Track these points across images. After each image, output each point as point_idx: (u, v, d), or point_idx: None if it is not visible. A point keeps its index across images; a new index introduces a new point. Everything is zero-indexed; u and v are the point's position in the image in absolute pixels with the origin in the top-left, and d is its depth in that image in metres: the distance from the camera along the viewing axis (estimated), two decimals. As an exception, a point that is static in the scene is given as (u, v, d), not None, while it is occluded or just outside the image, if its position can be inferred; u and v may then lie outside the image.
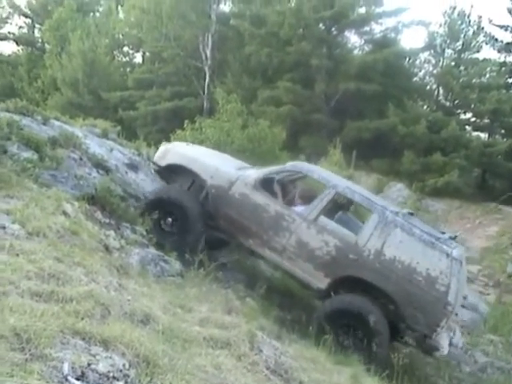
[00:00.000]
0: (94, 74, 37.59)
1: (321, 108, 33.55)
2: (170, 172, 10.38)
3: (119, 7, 46.85)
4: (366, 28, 37.25)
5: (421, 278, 8.54)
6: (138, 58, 46.02)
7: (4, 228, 5.84)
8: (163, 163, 10.33)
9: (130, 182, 10.96)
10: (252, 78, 35.85)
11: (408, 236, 8.75)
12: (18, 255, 5.15)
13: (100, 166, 10.81)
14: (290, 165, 10.31)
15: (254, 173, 9.85)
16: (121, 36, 43.93)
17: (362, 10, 36.75)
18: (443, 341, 8.77)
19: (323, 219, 9.19)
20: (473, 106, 34.03)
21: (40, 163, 9.19)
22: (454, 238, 9.23)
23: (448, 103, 35.27)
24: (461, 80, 33.99)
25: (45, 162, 9.33)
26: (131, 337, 4.15)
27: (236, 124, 17.35)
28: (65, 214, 7.28)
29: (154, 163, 10.70)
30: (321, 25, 36.38)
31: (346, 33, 38.02)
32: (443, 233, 9.58)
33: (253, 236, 9.40)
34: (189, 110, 32.15)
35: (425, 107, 36.75)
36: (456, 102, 34.71)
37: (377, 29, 37.22)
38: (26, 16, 51.01)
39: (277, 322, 8.00)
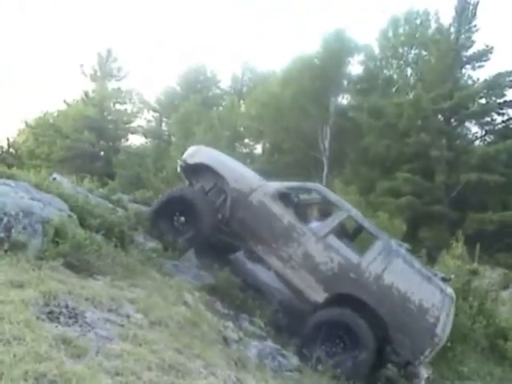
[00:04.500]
0: (215, 165, 38.87)
1: (441, 199, 32.76)
2: (196, 171, 10.89)
3: (241, 101, 48.91)
4: (487, 118, 36.57)
5: (413, 307, 8.94)
6: (258, 150, 47.48)
7: (128, 317, 6.01)
8: (192, 161, 10.84)
9: (249, 272, 11.05)
10: (370, 169, 35.80)
11: (408, 267, 9.20)
12: (140, 345, 5.24)
13: (221, 256, 10.98)
14: (310, 184, 11.00)
15: (276, 184, 10.34)
16: (242, 128, 45.55)
17: (483, 101, 36.25)
18: (424, 373, 9.27)
19: (332, 237, 9.67)
20: None
21: (164, 253, 9.51)
22: (446, 280, 9.63)
23: None
24: None
25: (168, 252, 9.64)
26: None
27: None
28: (186, 304, 7.42)
29: (183, 160, 11.10)
30: (440, 116, 36.12)
31: (466, 123, 37.44)
32: (436, 274, 9.66)
33: (262, 242, 9.84)
34: (307, 201, 32.39)
35: (552, 199, 35.02)
36: None
37: (498, 119, 36.49)
38: (155, 110, 54.31)
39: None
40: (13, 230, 6.86)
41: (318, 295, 9.29)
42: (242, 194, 10.07)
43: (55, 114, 47.44)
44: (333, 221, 9.81)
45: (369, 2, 73.32)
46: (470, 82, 37.31)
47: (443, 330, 8.86)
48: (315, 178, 36.82)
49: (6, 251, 6.46)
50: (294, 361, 7.95)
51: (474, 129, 37.88)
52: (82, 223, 8.38)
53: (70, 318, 5.32)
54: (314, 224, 10.04)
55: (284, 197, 10.06)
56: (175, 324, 6.38)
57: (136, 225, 10.08)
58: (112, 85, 48.71)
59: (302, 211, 10.49)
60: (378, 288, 9.06)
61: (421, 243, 26.26)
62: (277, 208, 9.84)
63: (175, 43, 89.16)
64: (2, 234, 6.70)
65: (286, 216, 9.78)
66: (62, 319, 5.21)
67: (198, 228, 10.06)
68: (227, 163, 10.82)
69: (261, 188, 10.11)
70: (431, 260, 16.79)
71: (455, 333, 11.34)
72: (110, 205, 10.95)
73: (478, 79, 36.74)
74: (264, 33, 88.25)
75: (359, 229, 10.52)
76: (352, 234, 10.91)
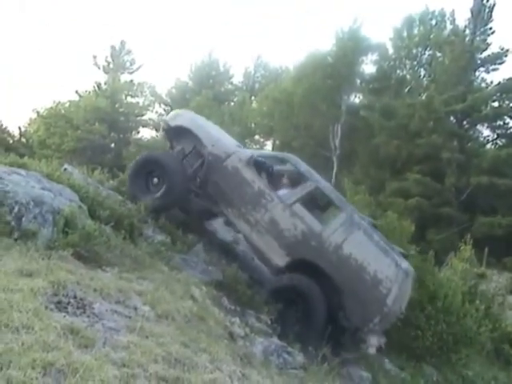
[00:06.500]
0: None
1: (451, 201, 32.67)
2: (177, 134, 11.35)
3: (253, 97, 48.85)
4: (500, 122, 36.44)
5: (368, 278, 9.34)
6: (269, 146, 47.38)
7: (136, 309, 6.01)
8: (173, 124, 11.46)
9: (256, 268, 11.06)
10: (380, 169, 35.73)
11: (368, 239, 9.58)
12: (147, 337, 5.25)
13: (228, 252, 11.02)
14: (283, 154, 11.85)
15: (250, 152, 11.02)
16: (253, 125, 45.52)
17: (496, 104, 36.07)
18: (373, 340, 9.47)
19: (298, 206, 10.03)
20: None
21: (172, 247, 9.54)
22: (405, 256, 10.11)
23: None
24: None
25: (176, 246, 9.67)
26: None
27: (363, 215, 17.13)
28: (193, 298, 7.41)
29: (165, 122, 11.82)
30: (452, 118, 36.03)
31: (479, 126, 37.33)
32: (393, 248, 9.94)
33: (233, 206, 10.37)
34: (316, 199, 32.33)
35: None
36: None
37: (511, 123, 36.37)
38: (166, 104, 54.28)
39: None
40: (23, 219, 6.89)
41: (281, 259, 9.81)
42: (217, 158, 10.58)
43: (67, 105, 47.44)
44: (301, 190, 10.24)
45: (383, 1, 72.88)
46: (483, 84, 37.25)
47: (394, 301, 9.23)
48: (325, 177, 36.85)
49: (15, 240, 6.49)
50: (300, 358, 7.92)
51: (485, 132, 37.89)
52: (92, 214, 8.40)
53: (78, 308, 5.33)
54: (284, 191, 10.46)
55: (258, 164, 10.51)
56: (182, 318, 6.39)
57: (145, 217, 10.11)
58: (124, 77, 48.75)
59: (275, 180, 10.92)
60: (336, 257, 9.50)
61: (429, 244, 26.17)
62: (249, 174, 10.34)
63: (189, 37, 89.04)
64: (12, 223, 6.73)
65: (257, 182, 10.27)
66: (70, 309, 5.23)
67: (167, 188, 10.50)
68: (206, 128, 11.30)
69: (236, 154, 10.60)
70: (439, 262, 16.70)
71: (460, 336, 11.33)
72: (120, 197, 10.96)
73: (491, 82, 36.77)
74: (278, 29, 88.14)
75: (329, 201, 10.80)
76: (323, 207, 11.33)
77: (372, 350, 9.61)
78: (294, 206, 9.98)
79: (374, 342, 9.52)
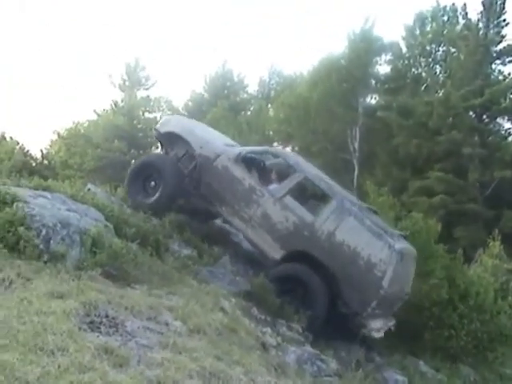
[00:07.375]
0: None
1: (475, 197, 32.31)
2: (170, 140, 11.55)
3: (269, 105, 48.88)
4: (520, 114, 35.95)
5: (362, 262, 9.41)
6: (288, 153, 47.19)
7: (167, 325, 6.03)
8: (163, 130, 11.76)
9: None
10: (401, 169, 35.47)
11: (359, 224, 9.62)
12: (180, 353, 5.25)
13: (254, 261, 11.02)
14: (271, 148, 12.46)
15: (238, 149, 11.18)
16: (271, 132, 45.48)
17: (515, 96, 35.67)
18: (375, 324, 9.54)
19: (289, 198, 10.20)
20: None
21: (199, 260, 9.57)
22: (404, 237, 10.37)
23: None
24: None
25: (203, 259, 9.70)
26: None
27: (387, 217, 16.97)
28: (223, 310, 7.42)
29: (156, 130, 12.07)
30: (471, 113, 35.66)
31: (499, 119, 36.84)
32: (386, 231, 9.86)
33: (226, 205, 10.62)
34: (338, 203, 32.15)
35: None
36: None
37: (532, 114, 35.74)
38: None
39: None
40: (51, 242, 6.93)
41: (276, 253, 9.96)
42: (207, 159, 10.88)
43: (86, 125, 47.87)
44: (290, 182, 10.42)
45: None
46: (500, 77, 36.76)
47: (390, 283, 9.27)
48: (346, 180, 36.71)
49: (45, 262, 6.53)
50: (333, 365, 7.89)
51: (506, 125, 37.29)
52: (118, 232, 8.45)
53: (110, 327, 5.36)
54: (274, 186, 10.61)
55: (248, 161, 10.80)
56: (213, 331, 6.39)
57: (170, 233, 10.15)
58: (140, 93, 49.07)
59: (267, 174, 11.16)
60: (329, 245, 9.62)
61: (456, 242, 25.89)
62: (238, 171, 10.58)
63: (200, 48, 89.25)
64: (41, 246, 6.77)
65: (247, 179, 10.52)
66: (102, 329, 5.25)
67: (163, 190, 10.79)
68: (194, 131, 11.56)
69: (225, 153, 10.82)
70: (467, 259, 16.51)
71: (495, 334, 11.18)
72: (144, 213, 11.03)
73: (509, 74, 36.24)
74: (290, 35, 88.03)
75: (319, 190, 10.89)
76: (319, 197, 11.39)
77: (378, 334, 9.64)
78: (285, 199, 10.17)
79: (377, 326, 9.59)
